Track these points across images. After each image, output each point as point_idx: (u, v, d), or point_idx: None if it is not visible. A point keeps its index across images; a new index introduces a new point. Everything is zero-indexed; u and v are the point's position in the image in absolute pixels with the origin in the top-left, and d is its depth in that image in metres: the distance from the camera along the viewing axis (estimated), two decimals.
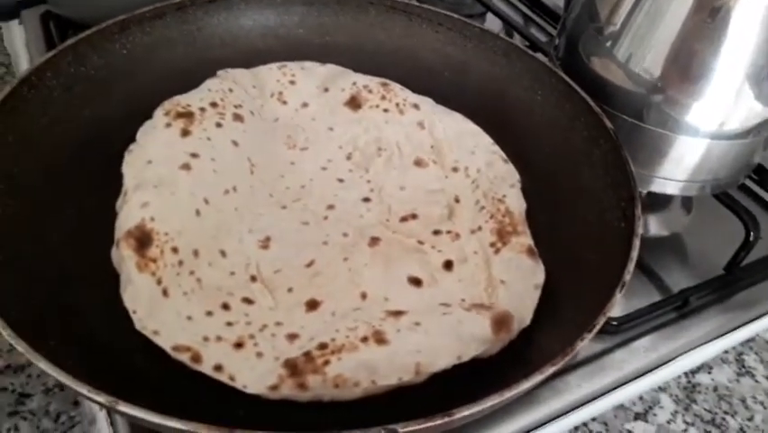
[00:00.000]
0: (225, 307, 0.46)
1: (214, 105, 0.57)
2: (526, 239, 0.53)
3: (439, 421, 0.33)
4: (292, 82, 0.64)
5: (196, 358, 0.41)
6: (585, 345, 0.55)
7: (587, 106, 0.57)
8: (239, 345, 0.43)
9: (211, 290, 0.47)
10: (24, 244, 0.45)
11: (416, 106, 0.64)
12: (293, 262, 0.50)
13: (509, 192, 0.56)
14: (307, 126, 0.62)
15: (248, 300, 0.47)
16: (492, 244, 0.52)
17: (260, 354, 0.43)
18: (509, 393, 0.35)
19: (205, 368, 0.41)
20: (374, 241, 0.52)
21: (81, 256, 0.47)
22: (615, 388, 0.54)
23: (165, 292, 0.45)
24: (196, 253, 0.48)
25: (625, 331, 0.58)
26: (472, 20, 0.67)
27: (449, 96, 0.66)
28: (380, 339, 0.42)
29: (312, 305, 0.47)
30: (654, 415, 0.54)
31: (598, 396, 0.53)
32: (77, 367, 0.36)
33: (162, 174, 0.51)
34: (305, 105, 0.63)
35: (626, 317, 0.58)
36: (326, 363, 0.41)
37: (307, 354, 0.41)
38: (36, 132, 0.50)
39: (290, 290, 0.48)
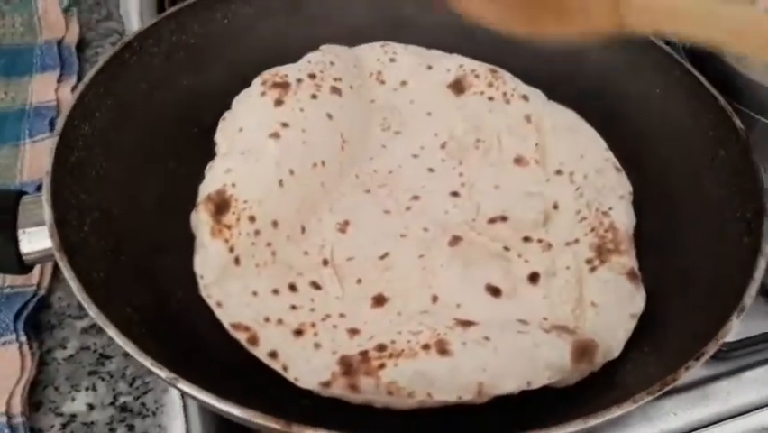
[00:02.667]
0: (293, 288, 0.45)
1: (312, 76, 0.55)
2: (629, 260, 0.47)
3: None
4: (392, 60, 0.61)
5: (253, 340, 0.41)
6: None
7: (714, 102, 0.51)
8: (299, 333, 0.42)
9: (282, 267, 0.46)
10: (115, 208, 0.46)
11: (524, 98, 0.59)
12: (367, 251, 0.48)
13: (617, 204, 0.50)
14: (404, 109, 0.59)
15: (316, 285, 0.45)
16: (589, 261, 0.47)
17: (317, 346, 0.41)
18: (594, 421, 0.32)
19: (260, 353, 0.40)
20: (455, 240, 0.48)
21: (169, 222, 0.48)
22: (717, 422, 0.48)
23: (237, 261, 0.44)
24: (275, 224, 0.46)
25: (736, 358, 0.52)
26: None
27: (558, 85, 0.60)
28: (443, 349, 0.39)
29: (379, 301, 0.45)
30: None
31: (696, 429, 0.48)
32: (147, 336, 0.37)
33: (250, 141, 0.50)
34: (404, 83, 0.60)
35: (739, 342, 0.52)
36: (382, 366, 0.38)
37: (364, 354, 0.39)
38: (135, 97, 0.51)
39: (359, 281, 0.46)
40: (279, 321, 0.42)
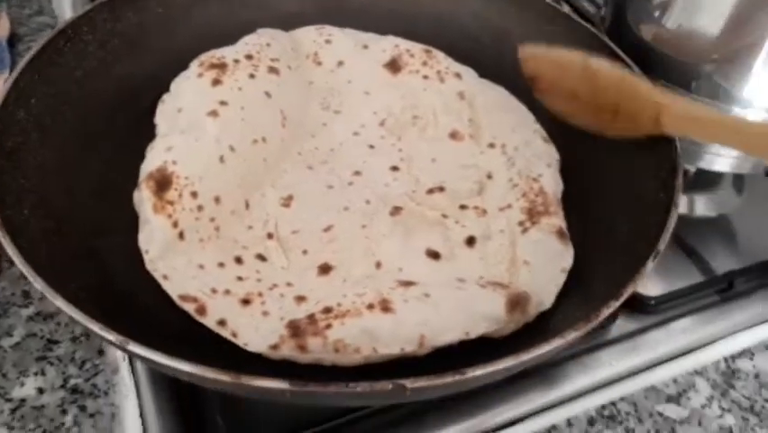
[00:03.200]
0: (238, 260, 0.46)
1: (249, 57, 0.56)
2: (558, 220, 0.50)
3: (449, 379, 0.32)
4: (328, 41, 0.62)
5: (201, 310, 0.41)
6: (617, 321, 0.54)
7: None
8: (246, 302, 0.43)
9: (227, 241, 0.47)
10: (53, 192, 0.45)
11: (457, 76, 0.61)
12: (312, 224, 0.49)
13: (546, 171, 0.53)
14: (343, 89, 0.61)
15: (261, 257, 0.46)
16: (521, 223, 0.50)
17: (265, 313, 0.42)
18: (526, 356, 0.34)
19: (209, 321, 0.41)
20: (396, 210, 0.50)
21: (110, 203, 0.48)
22: (648, 368, 0.52)
23: (181, 236, 0.45)
24: (217, 199, 0.47)
25: (662, 311, 0.56)
26: None
27: (489, 64, 0.63)
28: (386, 307, 0.41)
29: (324, 269, 0.46)
30: (688, 399, 0.51)
31: (630, 375, 0.52)
32: (96, 312, 0.37)
33: (190, 120, 0.51)
34: (340, 63, 0.62)
35: (664, 296, 0.56)
36: (328, 326, 0.40)
37: (311, 317, 0.41)
38: (70, 84, 0.51)
39: (305, 252, 0.47)
40: (227, 292, 0.43)
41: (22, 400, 0.46)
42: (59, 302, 0.34)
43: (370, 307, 0.41)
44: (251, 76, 0.54)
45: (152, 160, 0.48)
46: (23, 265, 0.35)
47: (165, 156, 0.48)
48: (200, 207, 0.46)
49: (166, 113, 0.53)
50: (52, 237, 0.42)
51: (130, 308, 0.42)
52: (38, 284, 0.35)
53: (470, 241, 0.49)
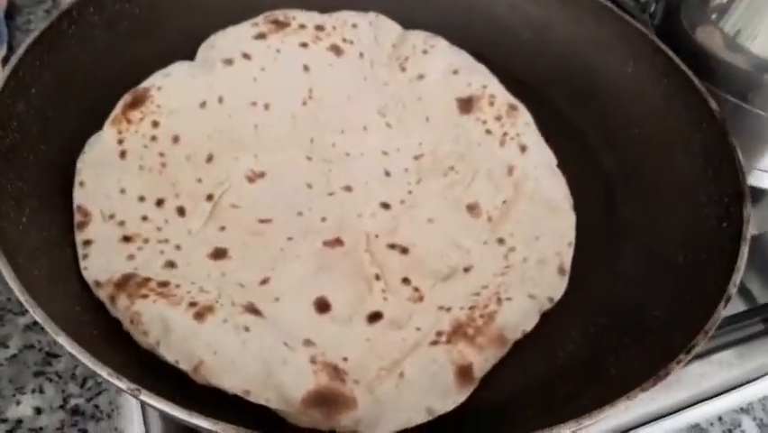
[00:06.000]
0: (159, 203, 0.44)
1: (319, 28, 0.53)
2: (474, 357, 0.39)
3: None
4: (425, 52, 0.57)
5: (83, 224, 0.41)
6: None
7: (688, 82, 0.50)
8: (126, 239, 0.41)
9: (166, 181, 0.46)
10: (56, 195, 0.42)
11: (522, 148, 0.52)
12: (254, 209, 0.46)
13: (520, 302, 0.42)
14: (408, 105, 0.55)
15: (181, 211, 0.44)
16: (438, 334, 0.40)
17: (130, 257, 0.40)
18: (588, 421, 0.30)
19: (79, 236, 0.40)
20: (335, 242, 0.44)
21: None
22: (691, 405, 0.49)
23: (122, 155, 0.45)
24: (176, 139, 0.47)
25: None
26: None
27: (527, 61, 0.58)
28: (201, 315, 0.37)
29: (219, 254, 0.42)
30: None
31: (672, 412, 0.48)
32: (100, 339, 0.34)
33: (208, 59, 0.51)
34: (421, 77, 0.56)
35: None
36: (144, 296, 0.37)
37: (147, 279, 0.38)
38: (75, 71, 0.47)
39: (223, 228, 0.44)
40: (121, 223, 0.42)
41: (19, 422, 0.42)
42: (62, 339, 0.30)
43: (192, 305, 0.37)
44: (303, 45, 0.52)
45: (151, 78, 0.49)
46: (22, 294, 0.31)
47: (157, 80, 0.48)
48: (153, 138, 0.46)
49: (206, 45, 0.52)
50: (53, 248, 0.39)
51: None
52: (38, 316, 0.31)
53: (375, 317, 0.41)
